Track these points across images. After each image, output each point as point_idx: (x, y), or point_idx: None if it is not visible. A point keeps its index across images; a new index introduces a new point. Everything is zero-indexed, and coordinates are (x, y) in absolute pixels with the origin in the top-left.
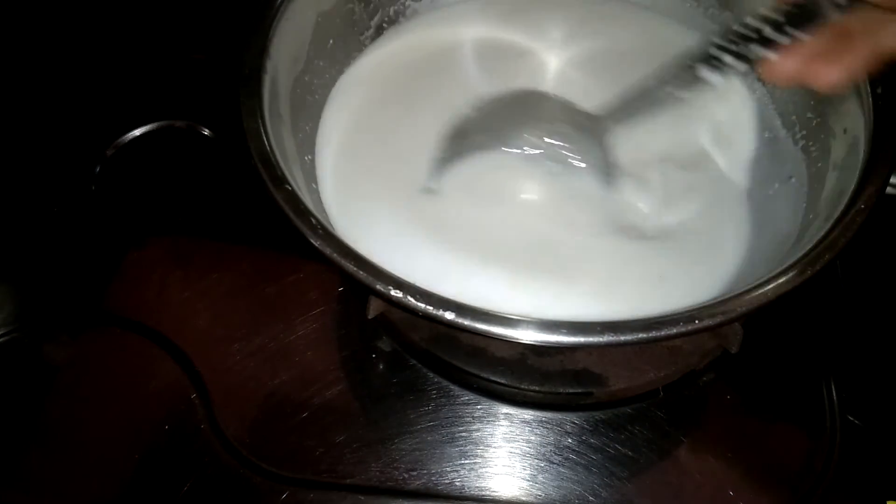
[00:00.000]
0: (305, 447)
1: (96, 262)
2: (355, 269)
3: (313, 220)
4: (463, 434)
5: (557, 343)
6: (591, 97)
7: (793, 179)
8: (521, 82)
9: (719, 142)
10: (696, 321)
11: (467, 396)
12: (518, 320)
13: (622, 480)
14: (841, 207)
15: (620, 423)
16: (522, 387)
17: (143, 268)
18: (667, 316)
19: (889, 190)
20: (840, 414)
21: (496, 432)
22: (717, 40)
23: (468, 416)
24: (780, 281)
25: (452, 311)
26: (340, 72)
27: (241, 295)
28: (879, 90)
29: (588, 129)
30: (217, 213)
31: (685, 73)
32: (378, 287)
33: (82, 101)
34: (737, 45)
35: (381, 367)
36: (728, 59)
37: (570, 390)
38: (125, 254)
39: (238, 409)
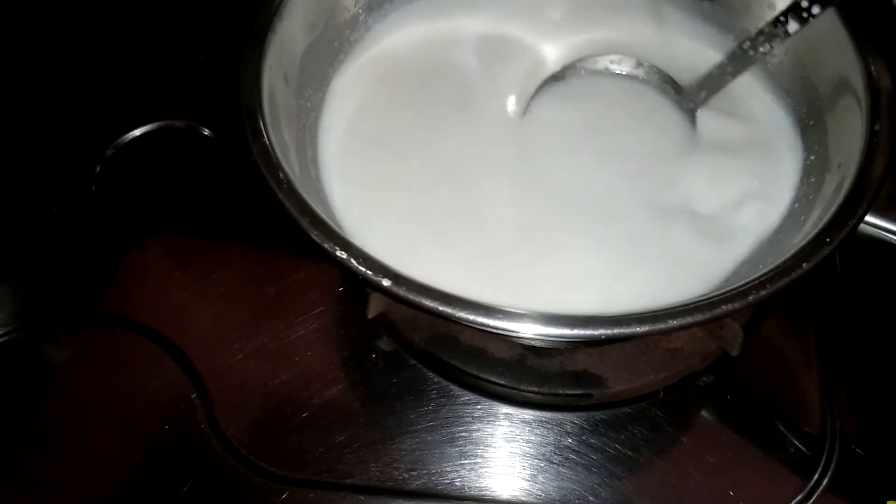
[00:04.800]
0: (305, 447)
1: (96, 262)
2: (309, 226)
3: (281, 175)
4: (463, 434)
5: (473, 322)
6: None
7: None
8: (521, 72)
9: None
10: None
11: (467, 396)
12: (458, 298)
13: (622, 480)
14: (808, 238)
15: (620, 424)
16: (522, 387)
17: (142, 268)
18: (602, 316)
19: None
20: (839, 415)
21: (496, 432)
22: None
23: (468, 416)
24: (727, 298)
25: (390, 279)
26: (350, 53)
27: (242, 295)
28: (877, 127)
29: (676, 102)
30: (217, 213)
31: (775, 30)
32: (325, 246)
33: (82, 102)
34: None
35: (382, 366)
36: (815, 8)
37: (570, 391)
38: (125, 253)
39: (238, 409)
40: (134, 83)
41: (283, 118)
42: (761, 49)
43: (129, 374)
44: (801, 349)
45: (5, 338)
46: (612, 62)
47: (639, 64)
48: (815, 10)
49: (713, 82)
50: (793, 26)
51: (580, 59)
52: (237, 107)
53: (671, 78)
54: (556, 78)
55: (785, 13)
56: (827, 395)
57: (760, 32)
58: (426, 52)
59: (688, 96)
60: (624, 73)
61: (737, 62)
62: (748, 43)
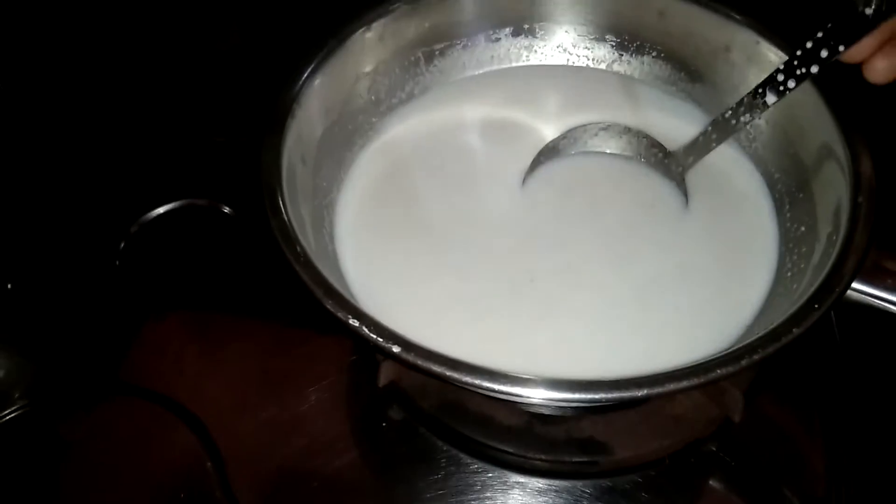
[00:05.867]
0: None
1: (118, 335)
2: (323, 295)
3: (298, 249)
4: (473, 503)
5: (479, 387)
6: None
7: None
8: (522, 150)
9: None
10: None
11: (477, 465)
12: (464, 363)
13: None
14: (798, 304)
15: (629, 491)
16: (529, 455)
17: (161, 340)
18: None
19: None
20: (843, 480)
21: (508, 501)
22: (781, 68)
23: (478, 485)
24: (722, 363)
25: (399, 346)
26: (366, 136)
27: (256, 366)
28: (860, 199)
29: (665, 167)
30: (235, 288)
31: (754, 101)
32: (339, 315)
33: (108, 181)
34: (798, 70)
35: (392, 435)
36: (791, 82)
37: (576, 459)
38: (146, 326)
39: (251, 478)
40: (158, 164)
41: (300, 196)
42: (742, 119)
43: (145, 443)
44: (803, 415)
45: (25, 409)
46: (602, 129)
47: (627, 129)
48: (791, 84)
49: (699, 148)
50: (771, 98)
51: (571, 130)
52: (258, 185)
53: (658, 143)
54: (550, 152)
55: (763, 86)
56: (831, 460)
57: (741, 103)
58: (434, 137)
59: (675, 160)
60: (613, 151)
61: (720, 130)
62: (730, 112)
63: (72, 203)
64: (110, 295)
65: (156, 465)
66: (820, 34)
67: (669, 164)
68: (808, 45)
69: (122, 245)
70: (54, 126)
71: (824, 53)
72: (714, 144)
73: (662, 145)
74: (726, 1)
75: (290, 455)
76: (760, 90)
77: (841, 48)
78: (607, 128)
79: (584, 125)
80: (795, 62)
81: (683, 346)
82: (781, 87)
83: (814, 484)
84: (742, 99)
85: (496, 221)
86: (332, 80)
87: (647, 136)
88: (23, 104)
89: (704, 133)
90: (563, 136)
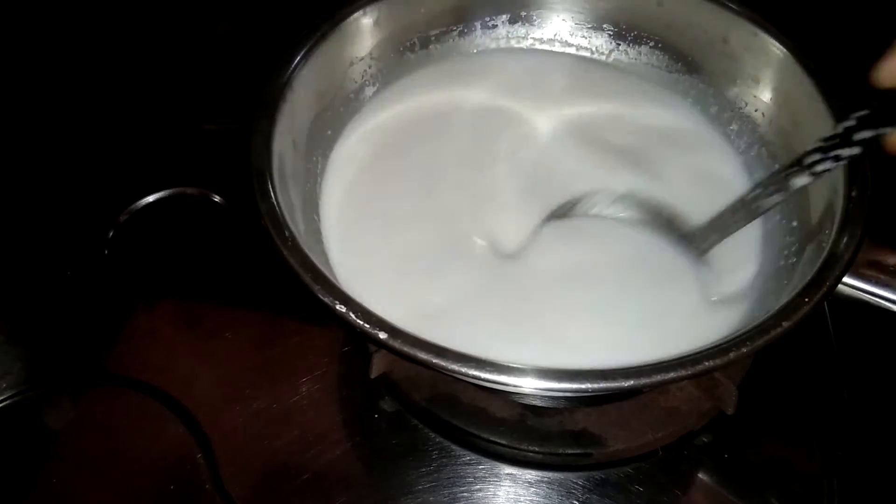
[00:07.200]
0: None
1: (106, 325)
2: (310, 280)
3: (286, 233)
4: (464, 495)
5: (465, 374)
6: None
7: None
8: (514, 143)
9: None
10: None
11: (469, 457)
12: (451, 350)
13: None
14: (788, 299)
15: (622, 484)
16: (522, 447)
17: (152, 330)
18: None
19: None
20: (835, 476)
21: (499, 493)
22: (810, 149)
23: (469, 477)
24: (710, 355)
25: (386, 332)
26: (355, 121)
27: (248, 356)
28: (853, 193)
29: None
30: (226, 278)
31: (778, 183)
32: (326, 300)
33: (98, 169)
34: (830, 150)
35: (384, 427)
36: (826, 164)
37: (570, 451)
38: (135, 316)
39: (242, 470)
40: (149, 152)
41: (290, 181)
42: (767, 201)
43: (134, 435)
44: (797, 408)
45: (15, 398)
46: (619, 198)
47: (645, 200)
48: (824, 166)
49: (721, 227)
50: (800, 181)
51: (583, 197)
52: (247, 169)
53: (678, 215)
54: (557, 216)
55: (792, 167)
56: (824, 453)
57: (766, 184)
58: (426, 122)
59: (696, 239)
60: (626, 216)
61: (744, 212)
62: (754, 194)
63: (61, 191)
64: (99, 284)
65: (145, 457)
66: (863, 113)
67: (689, 240)
68: (848, 124)
69: (111, 234)
70: (44, 114)
71: (866, 135)
72: (736, 226)
73: (681, 218)
74: None
75: (282, 446)
76: (788, 172)
77: (888, 130)
78: (624, 197)
79: (599, 191)
80: (831, 143)
81: (670, 339)
82: (813, 170)
83: (807, 477)
84: (766, 180)
85: (486, 210)
86: (325, 64)
87: (665, 208)
88: (11, 92)
89: (727, 212)
90: (575, 202)
